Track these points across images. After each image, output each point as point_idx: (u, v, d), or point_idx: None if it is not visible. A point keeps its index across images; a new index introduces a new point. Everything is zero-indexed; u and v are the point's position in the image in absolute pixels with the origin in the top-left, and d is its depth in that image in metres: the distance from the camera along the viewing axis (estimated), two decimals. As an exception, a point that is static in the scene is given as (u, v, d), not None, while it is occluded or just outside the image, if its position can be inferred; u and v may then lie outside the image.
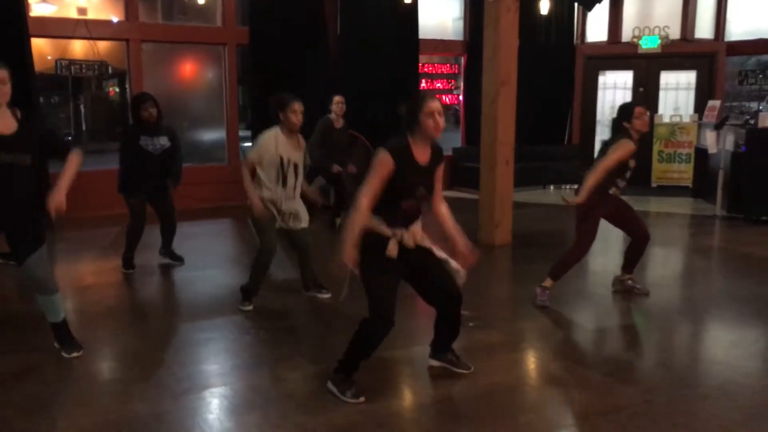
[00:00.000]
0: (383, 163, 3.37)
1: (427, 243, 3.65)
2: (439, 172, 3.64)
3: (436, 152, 3.57)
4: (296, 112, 4.78)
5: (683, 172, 11.22)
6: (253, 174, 4.90)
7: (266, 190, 4.87)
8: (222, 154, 10.04)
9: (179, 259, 6.45)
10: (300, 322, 4.83)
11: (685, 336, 4.78)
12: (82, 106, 16.86)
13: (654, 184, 11.35)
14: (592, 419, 3.37)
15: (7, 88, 3.66)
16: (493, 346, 4.32)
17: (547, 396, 3.72)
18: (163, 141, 5.93)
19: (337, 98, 7.85)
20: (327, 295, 5.30)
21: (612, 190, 5.06)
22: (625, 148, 4.87)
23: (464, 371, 3.88)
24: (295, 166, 4.91)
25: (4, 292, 5.69)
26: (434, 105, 3.41)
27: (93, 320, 4.69)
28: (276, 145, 4.81)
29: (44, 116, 3.82)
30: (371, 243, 3.43)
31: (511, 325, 4.82)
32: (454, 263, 3.64)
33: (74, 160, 3.89)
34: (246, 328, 4.66)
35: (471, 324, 4.68)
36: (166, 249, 6.44)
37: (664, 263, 6.89)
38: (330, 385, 3.61)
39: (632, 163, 4.99)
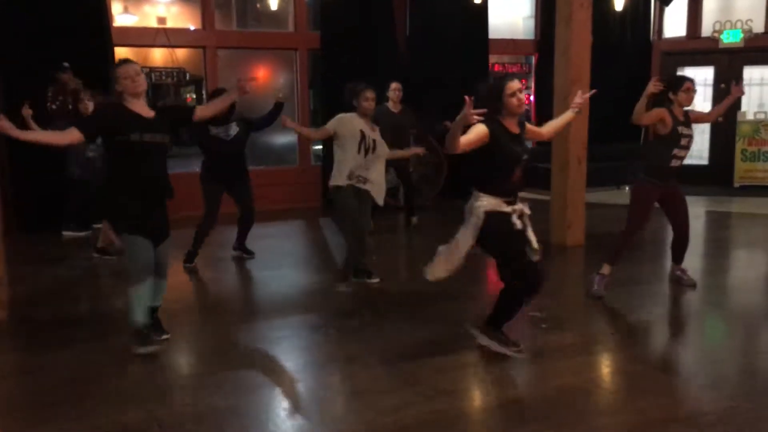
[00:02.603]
0: (478, 131, 3.78)
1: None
2: (531, 127, 4.17)
3: (522, 124, 4.04)
4: (368, 99, 5.30)
5: (768, 172, 10.71)
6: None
7: (345, 164, 5.28)
8: (293, 156, 10.23)
9: (250, 253, 6.63)
10: (368, 321, 4.86)
11: (770, 341, 4.57)
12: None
13: (737, 185, 10.88)
14: (669, 425, 3.26)
15: (142, 79, 4.11)
16: (565, 347, 4.24)
17: (620, 400, 3.62)
18: (233, 129, 6.18)
19: (393, 85, 7.90)
20: (376, 281, 5.68)
21: (674, 162, 5.12)
22: (656, 113, 5.07)
23: (511, 350, 4.01)
24: (374, 142, 5.35)
25: (92, 289, 5.97)
26: (514, 85, 3.85)
27: (172, 317, 4.85)
28: (354, 122, 5.31)
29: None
30: (496, 221, 3.86)
31: (584, 326, 4.72)
32: (534, 242, 3.95)
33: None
34: (317, 327, 4.73)
35: (544, 326, 4.61)
36: (240, 243, 6.63)
37: (747, 266, 6.60)
38: (485, 340, 4.07)
39: (684, 130, 5.11)
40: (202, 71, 9.66)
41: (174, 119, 4.38)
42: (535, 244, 3.96)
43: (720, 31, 11.20)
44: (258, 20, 10.50)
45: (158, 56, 9.98)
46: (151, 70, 9.26)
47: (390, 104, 7.92)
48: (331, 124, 5.33)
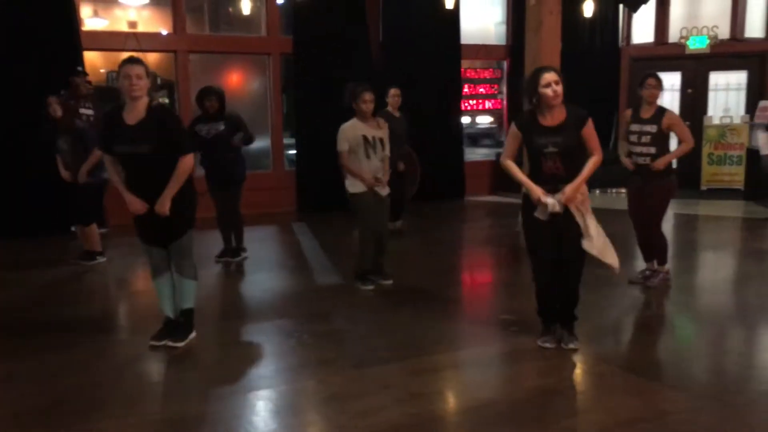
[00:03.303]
0: (512, 133, 4.17)
1: (575, 208, 4.02)
2: (587, 131, 4.05)
3: (573, 115, 4.03)
4: (366, 101, 5.38)
5: (734, 175, 10.92)
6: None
7: (361, 171, 5.43)
8: (267, 161, 10.20)
9: (235, 256, 6.74)
10: (342, 325, 4.88)
11: (736, 341, 4.66)
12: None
13: (704, 187, 11.09)
14: (638, 425, 3.31)
15: (143, 83, 4.01)
16: (535, 350, 4.28)
17: (590, 400, 3.67)
18: (218, 126, 6.25)
19: (392, 91, 7.81)
20: (389, 282, 5.75)
21: (634, 159, 5.42)
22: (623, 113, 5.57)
23: (566, 347, 4.19)
24: (381, 140, 5.47)
25: (63, 295, 5.89)
26: (549, 76, 3.93)
27: (142, 322, 4.81)
28: (355, 129, 5.41)
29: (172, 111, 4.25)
30: (525, 207, 4.13)
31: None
32: (594, 234, 4.04)
33: (181, 168, 4.08)
34: (290, 332, 4.72)
35: (514, 328, 4.65)
36: (230, 248, 6.75)
37: (714, 267, 6.73)
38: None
39: (636, 127, 5.38)
40: (173, 76, 9.60)
41: (168, 135, 4.07)
42: (590, 230, 4.02)
43: (686, 38, 11.42)
44: (230, 24, 10.45)
45: (129, 60, 9.86)
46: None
47: (389, 110, 7.75)
48: (339, 144, 5.41)
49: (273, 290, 5.93)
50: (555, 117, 4.00)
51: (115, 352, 4.40)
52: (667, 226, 7.48)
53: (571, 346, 4.19)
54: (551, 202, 3.95)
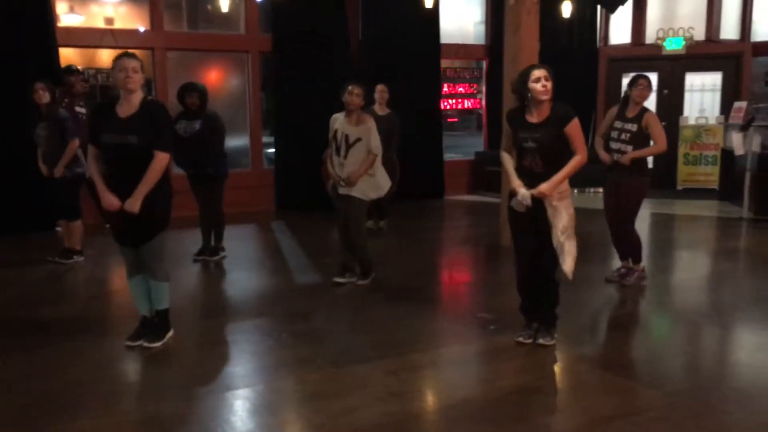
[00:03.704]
0: (504, 126, 4.36)
1: (552, 205, 4.05)
2: (570, 130, 4.05)
3: (557, 113, 4.07)
4: (351, 93, 5.39)
5: (709, 175, 11.06)
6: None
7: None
8: (246, 160, 10.14)
9: (213, 255, 6.65)
10: (321, 324, 4.87)
11: (710, 339, 4.73)
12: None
13: (680, 187, 11.22)
14: (613, 422, 3.34)
15: (138, 77, 4.00)
16: (512, 348, 4.30)
17: (567, 398, 3.71)
18: (196, 125, 6.17)
19: (378, 87, 7.79)
20: (361, 281, 5.73)
21: (611, 154, 5.51)
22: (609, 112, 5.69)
23: (537, 342, 4.26)
24: (346, 137, 5.42)
25: (38, 294, 5.82)
26: (538, 72, 4.03)
27: (119, 321, 4.76)
28: (334, 121, 5.51)
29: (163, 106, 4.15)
30: (510, 197, 4.22)
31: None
32: (559, 234, 4.06)
33: (156, 163, 4.01)
34: (268, 331, 4.70)
35: (492, 327, 4.68)
36: (211, 246, 6.68)
37: (689, 266, 6.82)
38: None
39: (618, 124, 5.52)
40: (151, 73, 9.50)
41: (154, 130, 4.04)
42: (558, 229, 4.04)
43: (663, 39, 11.55)
44: (209, 22, 10.38)
45: (106, 57, 9.76)
46: (97, 71, 9.07)
47: (376, 107, 7.72)
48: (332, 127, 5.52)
49: (251, 289, 5.90)
50: (540, 114, 4.07)
51: (92, 352, 4.33)
52: (643, 225, 7.57)
53: (541, 341, 4.24)
54: (522, 193, 4.05)
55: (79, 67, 7.93)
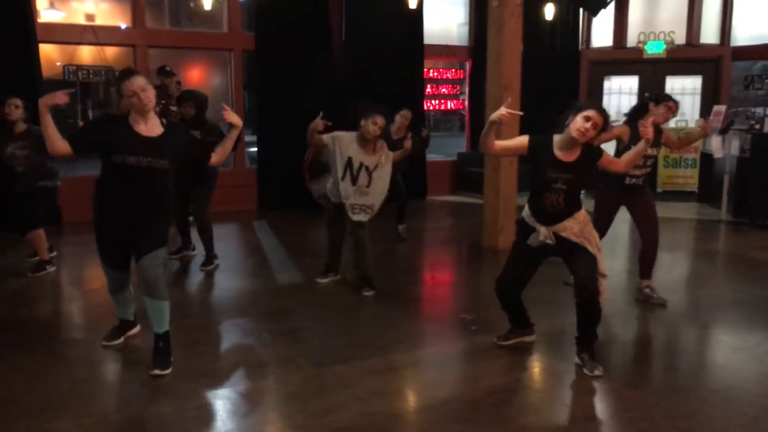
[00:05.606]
0: (520, 144, 3.94)
1: (575, 237, 3.90)
2: (602, 161, 3.96)
3: (586, 153, 3.88)
4: (375, 123, 5.12)
5: (689, 177, 11.19)
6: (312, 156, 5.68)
7: (336, 184, 5.28)
8: (228, 158, 10.04)
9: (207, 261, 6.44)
10: (302, 324, 4.85)
11: (689, 340, 4.78)
12: (89, 112, 16.95)
13: (660, 190, 11.32)
14: (594, 422, 3.37)
15: (151, 94, 3.76)
16: (494, 349, 4.32)
17: (548, 399, 3.72)
18: (196, 135, 5.93)
19: (403, 111, 7.20)
20: (370, 293, 5.46)
21: (627, 180, 5.20)
22: (616, 131, 5.22)
23: (588, 373, 3.91)
24: (366, 168, 5.22)
25: (19, 295, 5.74)
26: (592, 113, 3.73)
27: (98, 322, 4.71)
28: (350, 145, 5.19)
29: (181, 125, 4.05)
30: (521, 229, 4.06)
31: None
32: (593, 252, 3.93)
33: (218, 160, 4.27)
34: (249, 330, 4.68)
35: (474, 327, 4.69)
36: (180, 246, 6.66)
37: (669, 268, 6.87)
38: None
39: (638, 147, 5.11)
40: (132, 70, 9.42)
41: (186, 151, 4.03)
42: (592, 247, 3.91)
43: (644, 42, 11.66)
44: (191, 20, 10.31)
45: (86, 54, 9.67)
46: (78, 69, 8.97)
47: (392, 127, 7.10)
48: (328, 136, 5.16)
49: (233, 289, 5.87)
50: (572, 153, 3.85)
51: (70, 353, 4.30)
52: (623, 227, 7.63)
53: (597, 372, 3.87)
54: (543, 232, 3.89)
55: (168, 68, 7.96)
